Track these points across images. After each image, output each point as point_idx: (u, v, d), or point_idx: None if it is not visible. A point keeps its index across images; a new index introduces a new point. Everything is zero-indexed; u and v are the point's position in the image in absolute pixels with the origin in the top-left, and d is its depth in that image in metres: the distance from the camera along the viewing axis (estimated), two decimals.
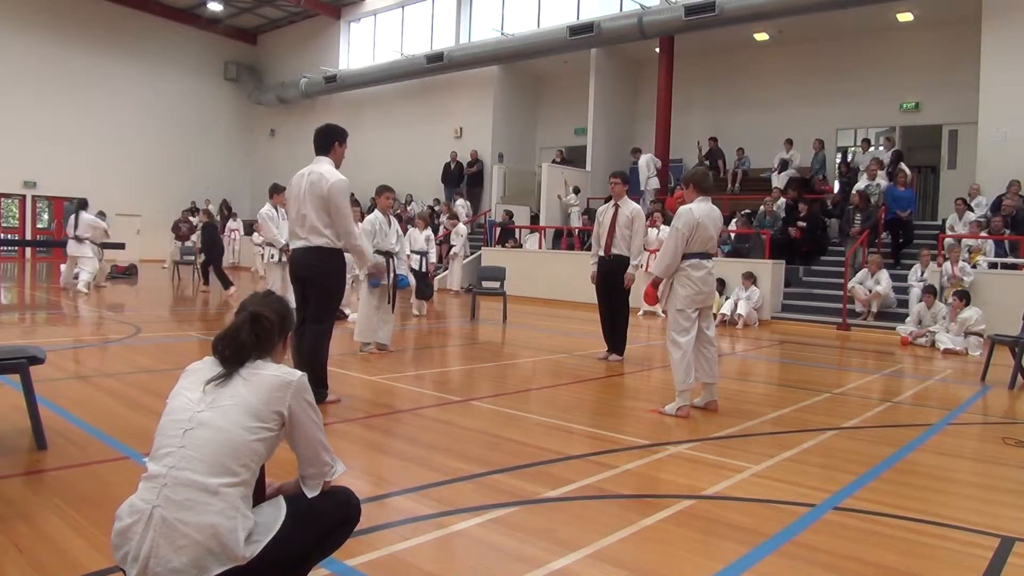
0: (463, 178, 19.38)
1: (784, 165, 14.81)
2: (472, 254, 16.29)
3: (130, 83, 23.37)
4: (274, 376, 1.94)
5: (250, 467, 1.85)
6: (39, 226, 22.43)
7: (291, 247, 4.74)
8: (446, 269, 16.08)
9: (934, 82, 14.15)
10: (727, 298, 11.54)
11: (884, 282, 10.71)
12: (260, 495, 2.00)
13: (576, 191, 16.76)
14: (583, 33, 16.18)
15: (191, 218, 18.35)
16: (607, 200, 7.66)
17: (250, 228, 19.31)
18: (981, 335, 8.67)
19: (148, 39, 23.72)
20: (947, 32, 13.86)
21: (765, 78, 16.31)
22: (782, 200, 13.42)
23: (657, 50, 16.00)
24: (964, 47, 13.01)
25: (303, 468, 2.04)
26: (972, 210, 11.56)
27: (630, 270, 7.04)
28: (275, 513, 1.91)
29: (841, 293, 11.16)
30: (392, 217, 7.26)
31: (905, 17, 14.00)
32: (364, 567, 2.42)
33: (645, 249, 7.38)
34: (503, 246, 16.20)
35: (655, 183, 15.43)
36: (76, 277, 12.27)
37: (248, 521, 1.81)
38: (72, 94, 22.05)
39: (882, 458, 4.02)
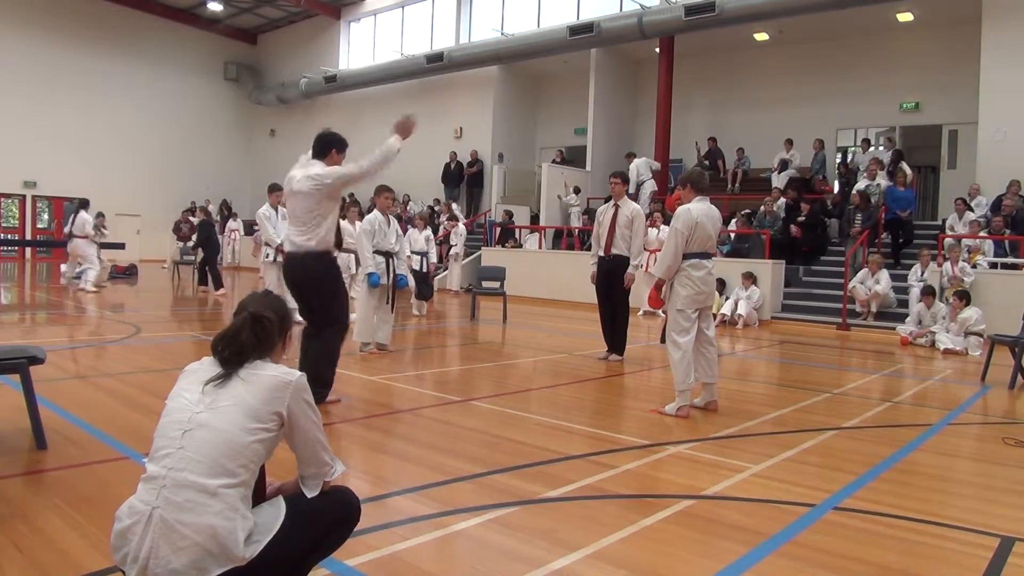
0: (463, 178, 19.38)
1: (784, 165, 14.81)
2: (471, 254, 16.28)
3: (130, 83, 23.36)
4: (273, 376, 1.94)
5: (249, 468, 1.85)
6: (39, 226, 22.43)
7: (286, 251, 4.72)
8: (446, 269, 16.09)
9: (934, 82, 14.15)
10: (727, 298, 11.54)
11: (884, 282, 10.71)
12: (260, 495, 2.00)
13: (576, 191, 16.76)
14: (583, 33, 16.18)
15: (191, 218, 18.36)
16: (607, 200, 7.66)
17: (250, 228, 19.29)
18: (981, 335, 8.67)
19: (148, 39, 23.71)
20: (947, 32, 13.87)
21: (765, 78, 16.30)
22: (782, 200, 13.42)
23: (657, 50, 16.00)
24: (964, 47, 13.00)
25: (302, 468, 2.04)
26: (972, 210, 11.56)
27: (630, 270, 7.04)
28: (275, 513, 1.90)
29: (841, 293, 11.16)
30: (392, 217, 7.25)
31: (905, 17, 14.00)
32: (364, 567, 2.42)
33: (645, 249, 7.37)
34: (503, 246, 16.21)
35: (651, 185, 15.42)
36: (78, 276, 12.63)
37: (247, 522, 1.81)
38: (72, 94, 22.05)
39: (882, 458, 4.02)
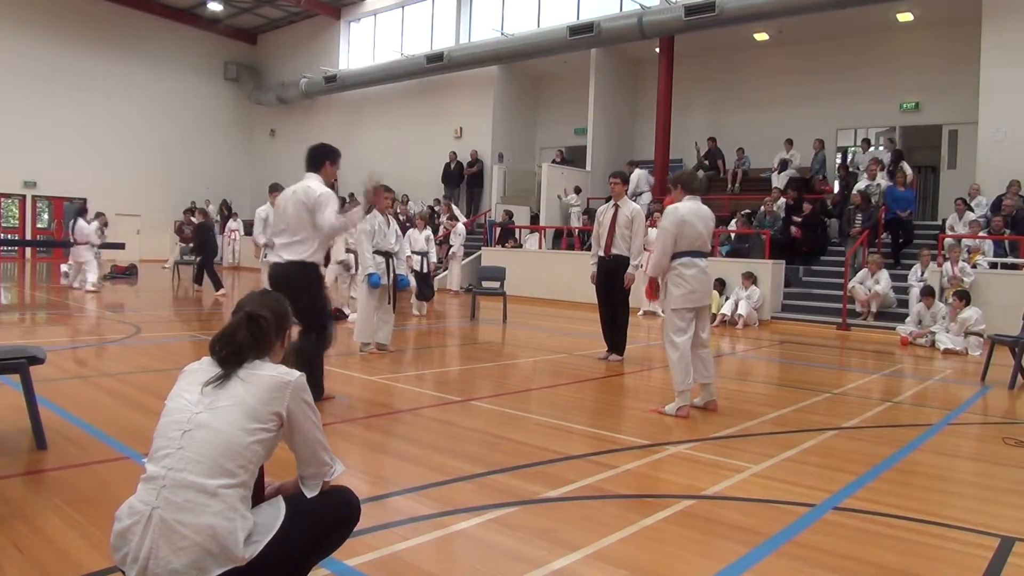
0: (463, 178, 19.38)
1: (784, 165, 14.81)
2: (471, 255, 16.28)
3: (130, 83, 23.36)
4: (272, 376, 1.93)
5: (249, 468, 1.85)
6: (39, 226, 22.42)
7: (272, 260, 4.71)
8: (446, 269, 16.09)
9: (934, 82, 14.15)
10: (727, 298, 11.54)
11: (884, 282, 10.71)
12: (260, 495, 2.00)
13: (577, 191, 16.77)
14: (583, 33, 16.18)
15: (192, 219, 18.36)
16: (607, 200, 7.66)
17: (250, 228, 19.30)
18: (981, 335, 8.67)
19: (148, 39, 23.71)
20: (947, 32, 13.86)
21: (765, 78, 16.30)
22: (782, 200, 13.42)
23: (657, 50, 16.00)
24: (964, 47, 13.00)
25: (302, 468, 2.03)
26: (972, 210, 11.56)
27: (630, 270, 7.04)
28: (274, 513, 1.90)
29: (841, 293, 11.16)
30: (391, 217, 7.25)
31: (905, 17, 14.00)
32: (364, 567, 2.42)
33: (645, 249, 7.37)
34: (503, 246, 16.21)
35: (648, 198, 15.40)
36: (83, 278, 12.86)
37: (247, 522, 1.81)
38: (72, 94, 22.04)
39: (882, 458, 4.02)
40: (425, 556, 2.56)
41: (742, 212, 13.83)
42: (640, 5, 15.74)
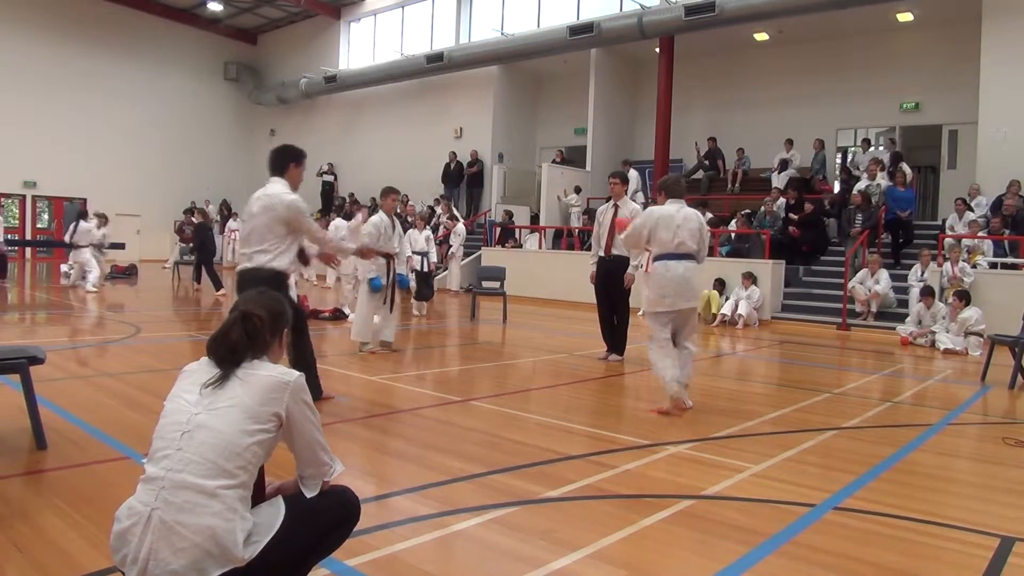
0: (463, 178, 19.38)
1: (784, 165, 14.81)
2: (471, 255, 16.28)
3: (130, 83, 23.35)
4: (270, 377, 1.93)
5: (248, 469, 1.85)
6: (39, 226, 22.42)
7: (238, 268, 4.54)
8: (445, 269, 16.09)
9: (934, 82, 14.14)
10: (727, 298, 11.54)
11: (884, 282, 10.71)
12: (260, 495, 2.00)
13: (577, 191, 16.76)
14: (583, 33, 16.18)
15: (193, 219, 18.37)
16: (607, 200, 7.66)
17: None
18: (981, 335, 8.67)
19: (148, 39, 23.70)
20: (947, 32, 13.86)
21: (765, 78, 16.29)
22: (782, 200, 13.42)
23: (657, 50, 15.98)
24: (964, 47, 12.99)
25: (302, 468, 2.03)
26: (972, 210, 11.55)
27: (630, 270, 7.03)
28: (274, 513, 1.90)
29: (841, 293, 11.16)
30: (394, 219, 7.27)
31: (905, 17, 13.99)
32: (364, 567, 2.42)
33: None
34: (503, 246, 16.21)
35: (640, 198, 15.37)
36: (83, 278, 12.96)
37: (246, 523, 1.81)
38: (72, 94, 22.03)
39: (882, 458, 4.02)
40: (425, 556, 2.56)
41: (742, 212, 13.83)
42: (640, 5, 15.74)
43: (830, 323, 11.13)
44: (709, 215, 14.18)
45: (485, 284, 11.98)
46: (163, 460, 1.82)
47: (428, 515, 2.92)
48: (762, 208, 13.48)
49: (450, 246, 15.73)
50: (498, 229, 16.79)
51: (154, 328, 8.63)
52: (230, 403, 1.87)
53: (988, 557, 2.71)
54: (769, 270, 11.67)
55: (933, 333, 9.21)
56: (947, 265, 10.14)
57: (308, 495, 2.02)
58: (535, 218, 17.46)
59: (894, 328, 9.94)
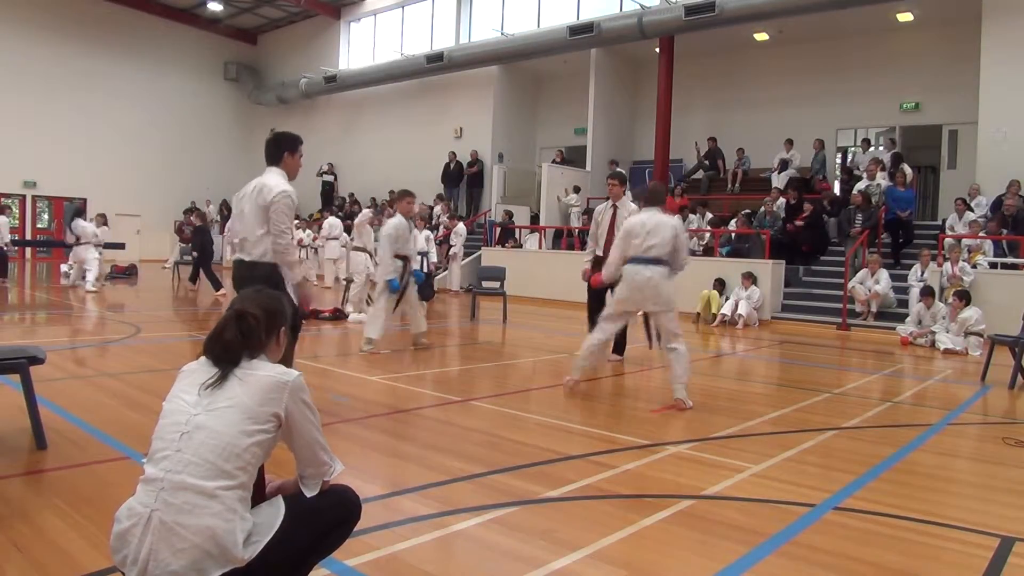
0: (463, 178, 19.38)
1: (784, 165, 14.80)
2: (471, 255, 16.28)
3: (130, 83, 23.34)
4: (269, 376, 1.93)
5: (247, 469, 1.84)
6: (39, 226, 22.43)
7: (232, 257, 4.46)
8: (446, 270, 16.09)
9: (934, 82, 14.14)
10: (727, 298, 11.54)
11: (884, 282, 10.71)
12: (260, 495, 1.99)
13: (576, 191, 16.76)
14: (583, 33, 16.17)
15: (192, 219, 18.37)
16: (606, 200, 7.66)
17: None
18: (981, 335, 8.67)
19: (148, 39, 23.69)
20: (947, 32, 13.85)
21: (765, 78, 16.29)
22: (782, 200, 13.42)
23: (657, 50, 15.98)
24: (964, 47, 12.99)
25: (301, 468, 2.03)
26: (972, 210, 11.56)
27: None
28: (274, 513, 1.90)
29: (841, 293, 11.15)
30: (411, 221, 7.32)
31: (905, 17, 13.99)
32: (364, 567, 2.42)
33: None
34: (503, 246, 16.20)
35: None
36: (83, 278, 12.91)
37: (246, 523, 1.81)
38: (72, 94, 22.03)
39: (882, 458, 4.02)
40: (425, 556, 2.56)
41: (742, 212, 13.83)
42: (640, 5, 15.73)
43: (830, 323, 11.13)
44: (709, 215, 14.22)
45: (485, 284, 11.99)
46: (162, 461, 1.81)
47: (428, 515, 2.92)
48: (762, 208, 13.47)
49: (451, 246, 15.73)
50: (498, 229, 16.79)
51: (154, 328, 8.63)
52: (229, 403, 1.86)
53: (988, 557, 2.71)
54: (769, 270, 11.67)
55: (933, 333, 9.21)
56: (947, 265, 10.14)
57: (308, 495, 2.01)
58: (535, 218, 17.46)
59: (894, 328, 9.94)
